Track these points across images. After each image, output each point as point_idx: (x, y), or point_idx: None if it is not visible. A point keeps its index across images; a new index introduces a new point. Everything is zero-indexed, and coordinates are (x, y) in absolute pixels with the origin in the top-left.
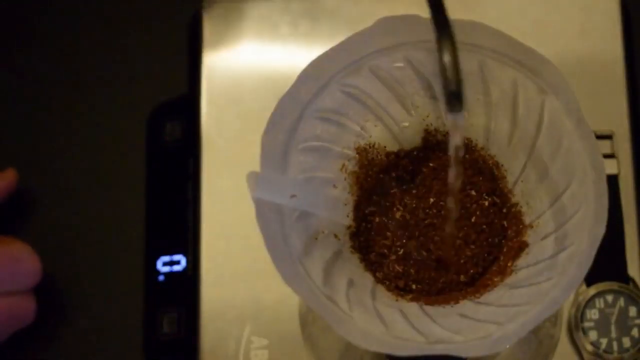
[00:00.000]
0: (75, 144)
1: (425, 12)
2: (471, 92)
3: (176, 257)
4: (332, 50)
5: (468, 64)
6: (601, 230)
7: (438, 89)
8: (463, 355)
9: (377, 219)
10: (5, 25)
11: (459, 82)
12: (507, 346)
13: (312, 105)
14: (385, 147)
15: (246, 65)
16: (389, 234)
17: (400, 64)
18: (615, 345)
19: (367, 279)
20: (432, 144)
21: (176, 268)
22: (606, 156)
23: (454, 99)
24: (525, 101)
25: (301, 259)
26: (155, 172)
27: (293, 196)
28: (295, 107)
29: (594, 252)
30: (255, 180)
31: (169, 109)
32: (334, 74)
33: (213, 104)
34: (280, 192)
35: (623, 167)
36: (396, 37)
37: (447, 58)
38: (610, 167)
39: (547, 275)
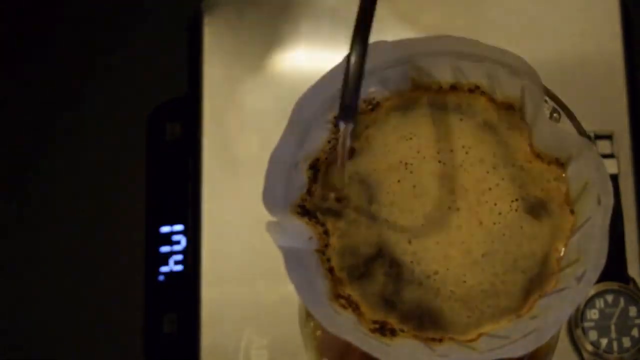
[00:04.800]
0: (76, 144)
1: (405, 28)
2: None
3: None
4: (309, 91)
5: (441, 69)
6: (610, 201)
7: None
8: (514, 355)
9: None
10: (5, 26)
11: (355, 95)
12: (551, 335)
13: (302, 152)
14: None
15: (246, 66)
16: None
17: (374, 88)
18: (615, 345)
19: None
20: None
21: (177, 268)
22: (606, 156)
23: (347, 111)
24: (505, 86)
25: (330, 301)
26: (155, 172)
27: (310, 238)
28: (286, 159)
29: (607, 223)
30: (275, 228)
31: (169, 109)
32: (315, 115)
33: (213, 104)
34: (297, 237)
35: (623, 167)
36: (367, 65)
37: (352, 66)
38: (611, 167)
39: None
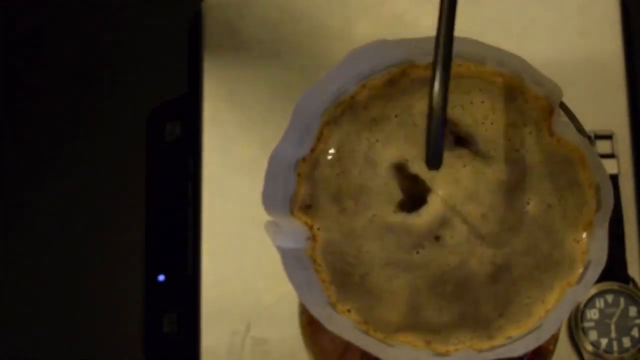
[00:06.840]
0: (75, 144)
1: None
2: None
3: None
4: (309, 91)
5: None
6: (610, 202)
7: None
8: (514, 355)
9: None
10: (5, 26)
11: (439, 151)
12: (551, 335)
13: (302, 152)
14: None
15: (246, 65)
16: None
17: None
18: (615, 345)
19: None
20: None
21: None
22: (606, 156)
23: (433, 162)
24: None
25: (329, 301)
26: (155, 172)
27: (308, 238)
28: (286, 159)
29: (607, 223)
30: (274, 229)
31: (169, 109)
32: (315, 115)
33: (213, 104)
34: (296, 237)
35: (623, 167)
36: (367, 64)
37: (434, 113)
38: (610, 167)
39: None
